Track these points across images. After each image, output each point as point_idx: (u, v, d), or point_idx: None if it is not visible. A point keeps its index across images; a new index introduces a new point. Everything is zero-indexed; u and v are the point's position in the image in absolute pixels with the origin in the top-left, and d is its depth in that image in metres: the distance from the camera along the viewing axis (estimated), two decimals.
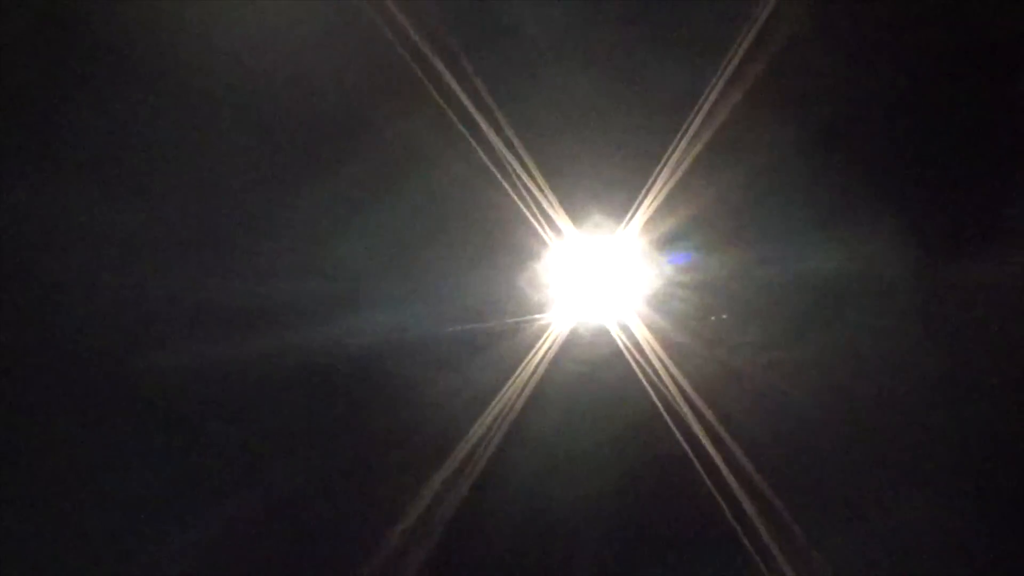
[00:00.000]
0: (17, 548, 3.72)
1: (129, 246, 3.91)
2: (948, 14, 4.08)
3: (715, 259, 4.22)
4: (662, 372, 4.16)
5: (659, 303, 4.24)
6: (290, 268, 4.03)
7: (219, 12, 3.82)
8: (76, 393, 3.85)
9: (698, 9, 4.03)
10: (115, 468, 3.87)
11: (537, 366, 4.15)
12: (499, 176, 4.01)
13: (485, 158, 3.98)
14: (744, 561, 4.04)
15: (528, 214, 4.07)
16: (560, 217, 4.11)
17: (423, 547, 3.95)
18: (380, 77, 3.90)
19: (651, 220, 4.13)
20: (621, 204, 4.12)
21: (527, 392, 4.13)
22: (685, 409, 4.14)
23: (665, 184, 4.07)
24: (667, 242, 4.18)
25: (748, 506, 4.08)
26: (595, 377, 4.22)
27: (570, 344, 4.22)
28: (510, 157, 3.99)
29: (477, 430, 4.06)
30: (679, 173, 4.06)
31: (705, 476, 4.10)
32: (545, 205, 4.07)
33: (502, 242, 4.13)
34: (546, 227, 4.11)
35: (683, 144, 4.04)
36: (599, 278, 4.29)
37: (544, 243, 4.15)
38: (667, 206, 4.11)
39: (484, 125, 3.94)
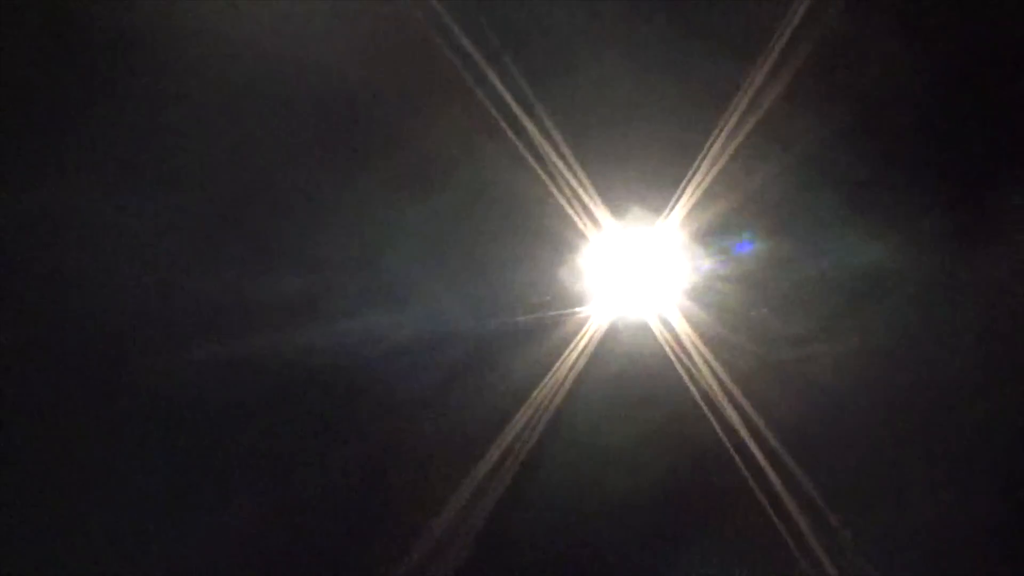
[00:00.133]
0: (18, 549, 3.71)
1: (160, 241, 3.91)
2: (989, 8, 4.07)
3: (754, 252, 4.21)
4: (701, 365, 4.15)
5: (699, 296, 4.23)
6: (331, 263, 4.04)
7: (261, 8, 3.84)
8: (78, 393, 3.83)
9: (737, 1, 4.04)
10: (128, 469, 3.86)
11: (576, 359, 4.14)
12: (539, 169, 4.02)
13: (525, 151, 3.99)
14: (784, 555, 4.02)
15: (568, 207, 4.07)
16: (600, 210, 4.11)
17: (463, 540, 3.94)
18: (421, 72, 3.92)
19: (691, 213, 4.13)
20: (661, 197, 4.12)
21: (566, 386, 4.12)
22: (724, 402, 4.13)
23: (704, 177, 4.07)
24: (708, 234, 4.17)
25: (787, 500, 4.05)
26: (634, 370, 4.21)
27: (609, 337, 4.21)
28: (549, 150, 4.00)
29: (516, 423, 4.06)
30: (718, 166, 4.06)
31: (744, 469, 4.08)
32: (585, 198, 4.07)
33: (542, 235, 4.13)
34: (586, 220, 4.11)
35: (722, 137, 4.04)
36: (639, 271, 4.28)
37: (584, 236, 4.15)
38: (707, 199, 4.10)
39: (524, 119, 3.95)
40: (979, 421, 4.18)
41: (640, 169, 4.12)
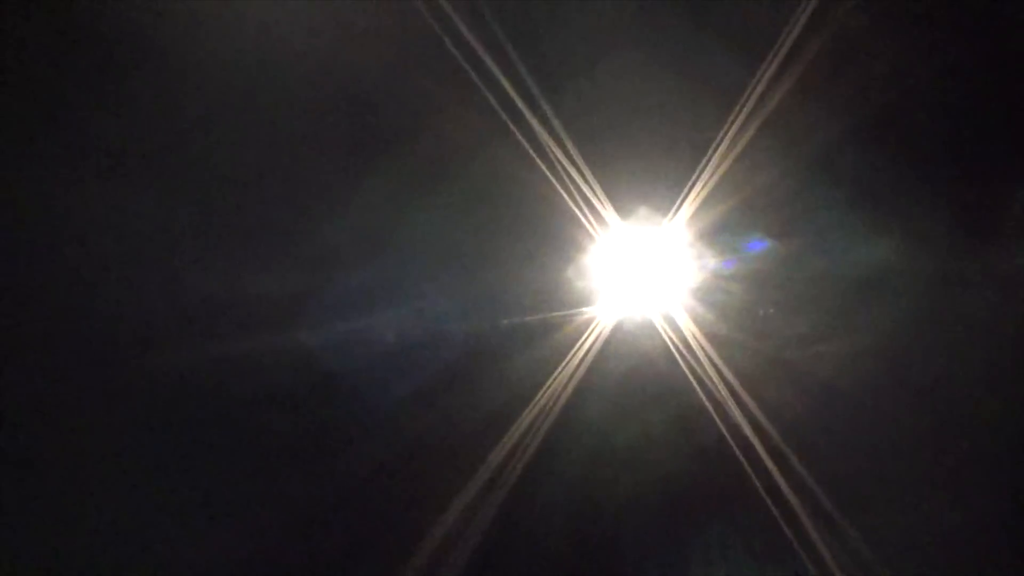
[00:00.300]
0: (19, 551, 3.73)
1: (167, 239, 3.92)
2: (997, 8, 4.06)
3: (760, 252, 4.21)
4: (707, 365, 4.16)
5: (704, 295, 4.24)
6: (338, 262, 4.04)
7: (266, 6, 3.83)
8: (81, 393, 3.83)
9: (744, 1, 4.02)
10: (128, 470, 3.86)
11: (583, 359, 4.15)
12: (545, 169, 4.01)
13: (531, 151, 3.99)
14: (789, 555, 4.04)
15: (574, 207, 4.07)
16: (606, 210, 4.11)
17: (469, 539, 3.96)
18: (427, 72, 3.91)
19: (697, 213, 4.13)
20: (667, 197, 4.12)
21: (572, 385, 4.13)
22: (730, 401, 4.14)
23: (710, 177, 4.07)
24: (714, 234, 4.18)
25: (793, 500, 4.07)
26: (640, 370, 4.22)
27: (616, 337, 4.22)
28: (556, 150, 3.99)
29: (523, 422, 4.07)
30: (724, 166, 4.06)
31: (749, 469, 4.10)
32: (591, 198, 4.07)
33: (549, 235, 4.14)
34: (592, 220, 4.12)
35: (728, 137, 4.03)
36: (645, 271, 4.29)
37: (590, 236, 4.16)
38: (713, 199, 4.10)
39: (530, 118, 3.95)
40: (987, 420, 4.19)
41: (646, 169, 4.12)
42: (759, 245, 4.19)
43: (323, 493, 3.98)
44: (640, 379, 4.22)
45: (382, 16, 3.84)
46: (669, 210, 4.15)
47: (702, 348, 4.17)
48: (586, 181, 4.04)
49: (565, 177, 4.03)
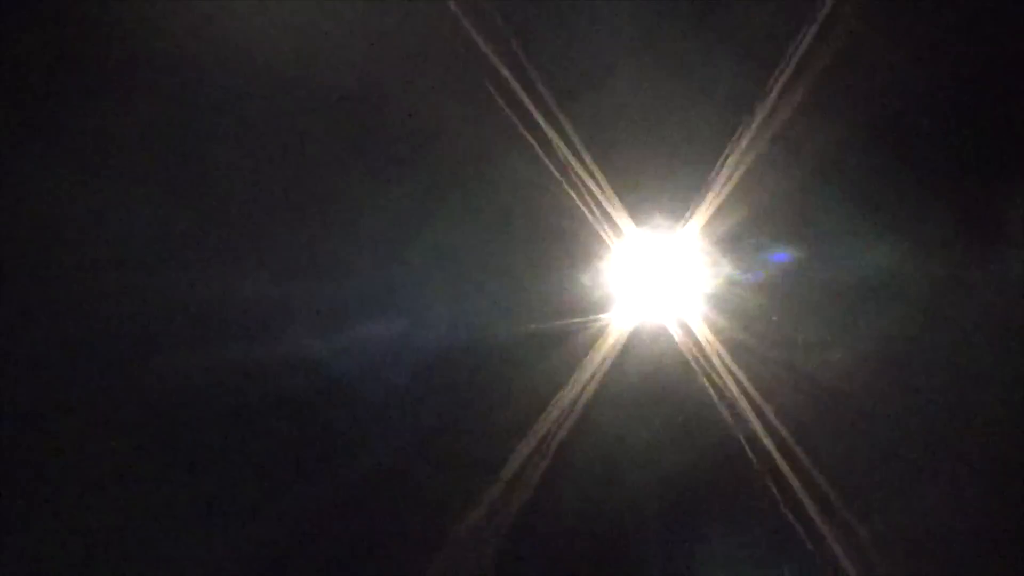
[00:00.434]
0: (22, 556, 3.72)
1: (168, 244, 3.91)
2: (1008, 14, 4.07)
3: (776, 258, 4.21)
4: (723, 372, 4.15)
5: (719, 302, 4.23)
6: (351, 269, 4.05)
7: (277, 10, 3.84)
8: (73, 397, 3.81)
9: (758, 7, 4.03)
10: (129, 469, 3.84)
11: (598, 366, 4.14)
12: (559, 175, 4.02)
13: (545, 158, 3.99)
14: (803, 557, 4.03)
15: (588, 213, 4.07)
16: (620, 216, 4.11)
17: (489, 544, 3.95)
18: (442, 80, 3.92)
19: (712, 219, 4.13)
20: (682, 203, 4.12)
21: (587, 393, 4.12)
22: (746, 409, 4.13)
23: (725, 183, 4.07)
24: (729, 241, 4.17)
25: (808, 504, 4.06)
26: (656, 377, 4.21)
27: (631, 344, 4.22)
28: (570, 156, 4.00)
29: (537, 430, 4.06)
30: (739, 172, 4.06)
31: (766, 476, 4.09)
32: (606, 204, 4.07)
33: (562, 242, 4.14)
34: (606, 226, 4.12)
35: (743, 143, 4.04)
36: (659, 277, 4.28)
37: (604, 243, 4.16)
38: (727, 205, 4.10)
39: (545, 125, 3.95)
40: (1001, 424, 4.18)
41: (661, 175, 4.12)
42: (775, 252, 4.19)
43: (337, 499, 3.97)
44: (655, 386, 4.21)
45: (394, 24, 3.86)
46: (684, 216, 4.15)
47: (717, 354, 4.16)
48: (600, 187, 4.05)
49: (579, 183, 4.03)
